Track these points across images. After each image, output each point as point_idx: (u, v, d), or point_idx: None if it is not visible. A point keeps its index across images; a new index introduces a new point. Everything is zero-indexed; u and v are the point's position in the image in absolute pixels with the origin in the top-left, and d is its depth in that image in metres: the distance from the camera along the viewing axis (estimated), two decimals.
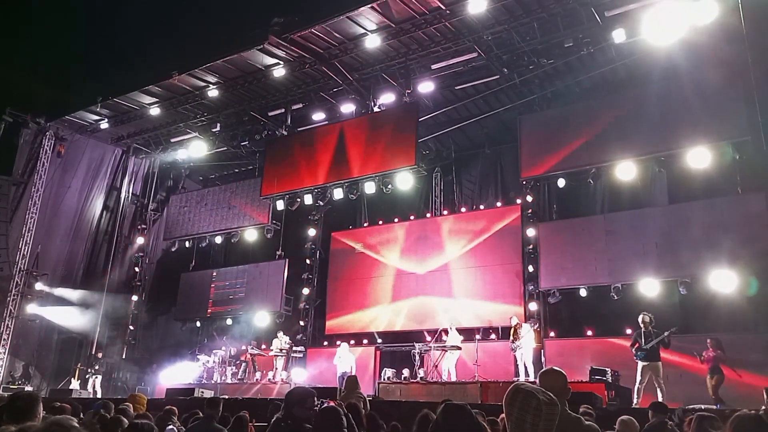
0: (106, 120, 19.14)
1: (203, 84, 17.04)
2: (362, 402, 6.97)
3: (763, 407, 6.48)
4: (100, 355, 17.20)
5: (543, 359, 13.55)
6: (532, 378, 11.67)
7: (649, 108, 13.52)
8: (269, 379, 15.63)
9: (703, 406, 8.48)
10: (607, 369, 11.43)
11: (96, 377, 16.59)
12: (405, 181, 15.51)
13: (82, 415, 6.40)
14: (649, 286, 13.13)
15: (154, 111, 18.28)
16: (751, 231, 12.16)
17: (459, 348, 13.51)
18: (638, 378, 10.52)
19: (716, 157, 12.76)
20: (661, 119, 13.33)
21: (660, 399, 9.96)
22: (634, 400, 10.38)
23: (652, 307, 11.57)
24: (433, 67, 15.16)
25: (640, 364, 10.54)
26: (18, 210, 18.30)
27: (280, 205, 17.62)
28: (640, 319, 10.82)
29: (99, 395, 15.62)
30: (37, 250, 18.31)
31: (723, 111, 12.60)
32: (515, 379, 12.36)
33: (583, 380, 11.23)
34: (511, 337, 12.88)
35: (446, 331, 13.97)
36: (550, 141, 14.77)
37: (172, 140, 20.00)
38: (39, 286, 18.16)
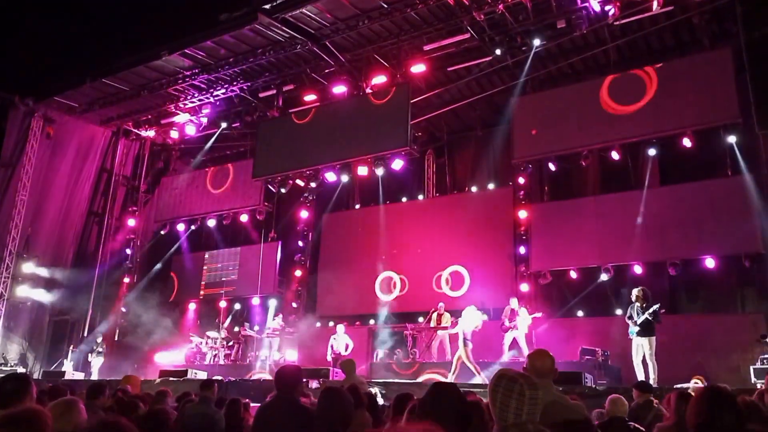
0: (96, 101, 18.92)
1: (194, 64, 16.86)
2: (363, 385, 7.06)
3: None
4: (99, 339, 17.13)
5: (533, 340, 13.64)
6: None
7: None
8: (262, 361, 15.71)
9: (689, 385, 8.60)
10: (597, 349, 11.57)
11: (98, 358, 16.54)
12: (397, 163, 15.48)
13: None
14: (639, 268, 13.25)
15: (144, 92, 18.09)
16: (740, 213, 12.26)
17: (445, 328, 13.55)
18: (633, 354, 10.24)
19: (707, 139, 12.82)
20: (652, 100, 13.34)
21: (651, 375, 9.86)
22: (639, 378, 9.84)
23: None
24: (426, 48, 15.04)
25: (635, 340, 10.27)
26: (7, 192, 18.16)
27: (272, 187, 17.58)
28: (633, 295, 10.44)
29: (94, 377, 15.67)
30: (27, 233, 18.22)
31: (714, 93, 12.62)
32: (502, 359, 12.38)
33: (574, 360, 11.37)
34: (506, 318, 12.72)
35: (440, 315, 13.99)
36: (543, 123, 14.76)
37: (163, 121, 19.81)
38: (30, 268, 18.09)
